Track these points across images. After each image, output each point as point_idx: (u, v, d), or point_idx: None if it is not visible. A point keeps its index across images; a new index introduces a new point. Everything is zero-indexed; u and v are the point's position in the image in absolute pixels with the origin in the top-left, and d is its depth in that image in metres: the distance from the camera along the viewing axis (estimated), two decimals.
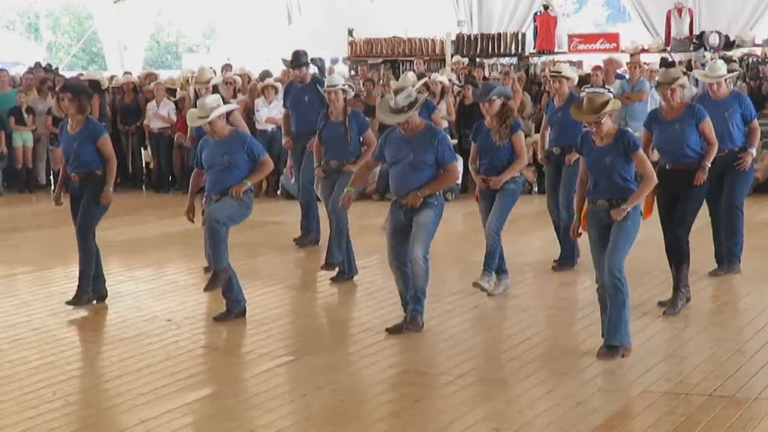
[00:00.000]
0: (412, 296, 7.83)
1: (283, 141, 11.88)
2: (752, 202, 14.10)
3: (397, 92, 7.67)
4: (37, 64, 21.16)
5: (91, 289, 8.97)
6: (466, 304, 8.98)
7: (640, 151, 7.12)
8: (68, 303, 8.89)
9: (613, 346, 7.11)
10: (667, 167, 8.66)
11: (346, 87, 9.90)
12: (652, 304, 8.66)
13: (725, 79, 9.60)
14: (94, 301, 9.03)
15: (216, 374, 7.25)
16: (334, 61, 23.14)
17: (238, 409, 6.38)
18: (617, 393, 6.57)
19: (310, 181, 11.02)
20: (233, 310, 8.39)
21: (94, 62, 36.08)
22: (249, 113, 16.25)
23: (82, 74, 19.90)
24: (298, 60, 11.48)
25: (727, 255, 9.68)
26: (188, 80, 17.86)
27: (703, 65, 17.20)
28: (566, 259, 10.16)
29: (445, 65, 20.42)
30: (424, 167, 7.64)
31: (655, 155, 8.99)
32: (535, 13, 21.77)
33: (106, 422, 6.26)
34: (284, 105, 11.88)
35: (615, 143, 7.05)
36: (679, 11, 20.33)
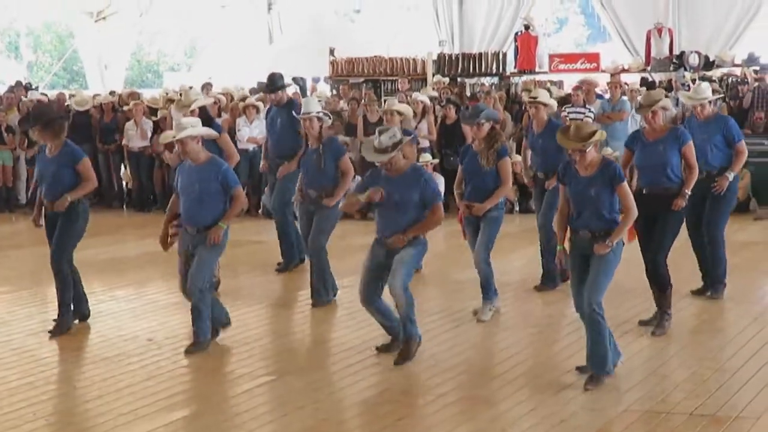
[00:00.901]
0: (401, 323, 7.74)
1: (261, 164, 11.90)
2: (731, 222, 14.17)
3: (381, 132, 7.60)
4: (18, 83, 21.11)
5: (73, 310, 8.91)
6: (448, 323, 8.98)
7: (625, 183, 7.08)
8: (50, 333, 8.72)
9: (596, 375, 7.08)
10: (644, 191, 8.63)
11: (321, 115, 9.73)
12: (634, 323, 8.68)
13: (710, 101, 9.56)
14: (76, 321, 8.97)
15: (197, 394, 7.22)
16: (316, 80, 23.17)
17: (219, 429, 6.36)
18: (599, 411, 6.57)
19: (284, 203, 11.00)
20: (201, 342, 8.16)
21: (75, 81, 36.02)
22: (230, 132, 16.26)
23: (62, 95, 19.84)
24: (273, 84, 11.44)
25: (711, 282, 9.67)
26: (170, 100, 17.84)
27: (683, 85, 17.31)
28: (548, 281, 10.17)
29: (426, 84, 20.44)
30: (409, 207, 7.54)
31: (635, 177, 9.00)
32: (516, 33, 21.85)
33: None
34: (267, 129, 11.86)
35: (600, 174, 7.00)
36: (659, 31, 20.45)
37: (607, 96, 16.55)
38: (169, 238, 8.30)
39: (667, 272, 8.63)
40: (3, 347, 8.36)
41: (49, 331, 8.76)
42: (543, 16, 25.15)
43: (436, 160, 15.56)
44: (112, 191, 17.84)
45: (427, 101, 15.73)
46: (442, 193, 15.06)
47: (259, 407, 6.81)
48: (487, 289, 9.08)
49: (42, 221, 8.92)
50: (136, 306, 9.93)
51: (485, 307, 9.07)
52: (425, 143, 15.12)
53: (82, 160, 8.70)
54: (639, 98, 9.58)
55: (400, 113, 11.18)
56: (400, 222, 7.58)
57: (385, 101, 12.58)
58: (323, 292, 9.77)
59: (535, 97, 10.08)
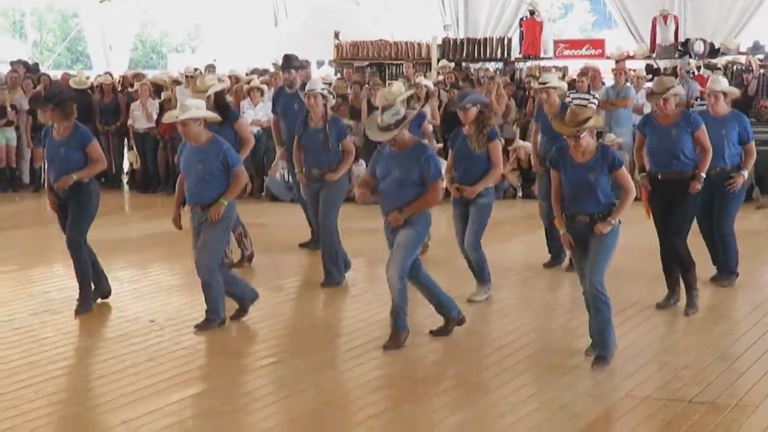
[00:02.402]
0: (394, 311, 7.69)
1: (278, 152, 11.77)
2: None
3: (384, 109, 7.56)
4: (19, 61, 21.02)
5: (94, 289, 8.94)
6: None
7: (623, 168, 7.09)
8: (76, 313, 8.73)
9: (603, 356, 7.14)
10: (660, 177, 8.67)
11: (325, 92, 9.71)
12: (636, 309, 8.70)
13: (725, 94, 9.45)
14: (98, 300, 9.00)
15: (199, 375, 7.24)
16: (320, 64, 23.13)
17: (222, 411, 6.38)
18: (599, 397, 6.59)
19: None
20: (212, 319, 8.24)
21: (79, 61, 35.99)
22: None
23: (67, 75, 19.81)
24: (288, 62, 11.42)
25: (725, 273, 9.67)
26: (175, 80, 17.83)
27: (688, 72, 17.28)
28: (555, 259, 10.34)
29: (430, 69, 20.42)
30: (409, 184, 7.50)
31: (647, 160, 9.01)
32: (521, 18, 21.80)
33: (88, 422, 6.25)
34: (273, 110, 11.81)
35: (598, 159, 7.00)
36: (665, 18, 20.41)
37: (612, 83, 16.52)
38: (180, 218, 8.34)
39: (688, 252, 8.73)
40: (5, 326, 8.38)
41: (75, 312, 8.75)
42: (548, 2, 25.14)
43: (440, 145, 15.57)
44: (112, 172, 17.83)
45: (431, 86, 15.70)
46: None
47: (261, 389, 6.83)
48: (481, 275, 9.12)
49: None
50: (139, 287, 9.94)
51: (480, 290, 9.12)
52: (429, 128, 15.08)
53: (91, 143, 8.70)
54: (650, 85, 9.50)
55: None
56: (398, 199, 7.53)
57: (390, 85, 12.55)
58: (335, 273, 9.75)
59: (545, 83, 10.09)
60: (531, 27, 21.30)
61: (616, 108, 15.59)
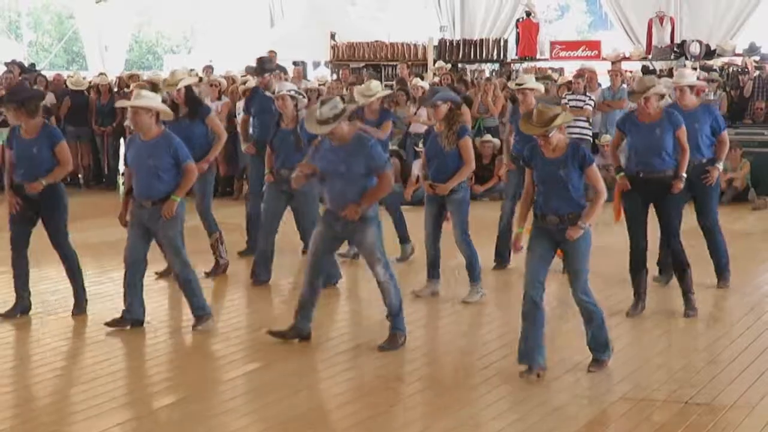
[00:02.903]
0: (388, 315, 7.68)
1: (244, 147, 11.71)
2: (729, 212, 14.17)
3: (323, 103, 7.52)
4: (13, 61, 20.97)
5: (17, 302, 8.76)
6: (441, 310, 8.98)
7: (594, 166, 6.97)
8: (73, 314, 8.72)
9: (600, 360, 7.09)
10: (641, 176, 8.65)
11: (294, 93, 9.78)
12: (632, 313, 8.65)
13: (691, 88, 9.45)
14: (18, 315, 8.73)
15: (188, 378, 7.19)
16: (316, 65, 23.13)
17: (211, 413, 6.35)
18: (594, 400, 6.57)
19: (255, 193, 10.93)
20: (201, 316, 8.25)
21: (74, 62, 35.97)
22: (231, 116, 16.22)
23: (60, 75, 19.74)
24: (261, 66, 11.43)
25: (717, 270, 9.64)
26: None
27: None
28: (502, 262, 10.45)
29: (427, 70, 20.43)
30: (358, 178, 7.46)
31: (622, 158, 9.00)
32: (518, 20, 21.82)
33: (79, 425, 6.20)
34: (245, 110, 11.75)
35: (569, 155, 6.90)
36: (661, 20, 20.41)
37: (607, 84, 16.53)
38: (128, 214, 8.32)
39: (684, 254, 8.68)
40: (1, 327, 8.36)
41: (72, 313, 8.72)
42: (545, 3, 25.12)
43: None
44: (107, 173, 17.81)
45: (427, 87, 15.68)
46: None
47: (251, 392, 6.80)
48: (472, 272, 9.11)
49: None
50: None
51: (473, 289, 9.11)
52: (424, 128, 15.06)
53: (60, 143, 8.55)
54: (632, 84, 9.50)
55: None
56: (349, 193, 7.47)
57: (387, 88, 12.57)
58: (264, 272, 9.85)
59: (521, 84, 10.10)
60: (527, 28, 21.31)
61: (612, 109, 15.60)
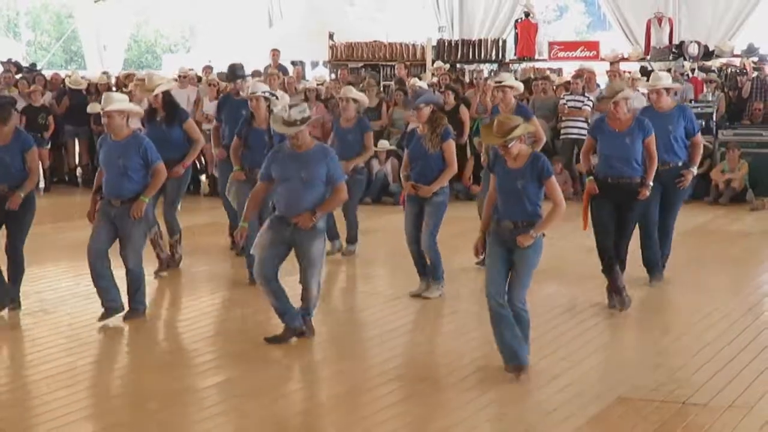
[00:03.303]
0: (304, 313, 7.82)
1: (215, 152, 11.60)
2: (727, 212, 14.20)
3: (292, 106, 7.62)
4: (9, 60, 20.98)
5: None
6: (444, 307, 8.99)
7: (553, 177, 6.93)
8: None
9: (523, 365, 6.95)
10: (610, 181, 8.70)
11: (267, 95, 9.86)
12: (627, 311, 8.66)
13: (667, 90, 9.54)
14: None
15: (183, 377, 7.19)
16: (315, 65, 23.13)
17: (208, 414, 6.36)
18: (592, 399, 6.57)
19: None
20: (139, 309, 8.39)
21: (73, 61, 35.96)
22: None
23: (57, 75, 19.73)
24: (233, 73, 11.47)
25: (651, 268, 9.65)
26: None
27: (682, 74, 17.30)
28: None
29: (425, 70, 20.44)
30: (316, 184, 7.53)
31: (594, 160, 9.05)
32: (516, 20, 21.83)
33: (65, 428, 6.18)
34: (217, 118, 11.70)
35: (528, 167, 6.86)
36: (660, 21, 20.43)
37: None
38: (95, 212, 8.40)
39: (625, 259, 8.91)
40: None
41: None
42: (543, 4, 25.12)
43: None
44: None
45: (426, 87, 15.70)
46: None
47: (251, 390, 6.80)
48: (435, 272, 9.21)
49: None
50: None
51: (434, 286, 9.20)
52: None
53: (31, 149, 8.61)
54: (601, 89, 9.53)
55: (355, 101, 11.13)
56: (305, 199, 7.52)
57: (385, 87, 12.59)
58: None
59: (500, 82, 10.10)
60: (526, 29, 21.32)
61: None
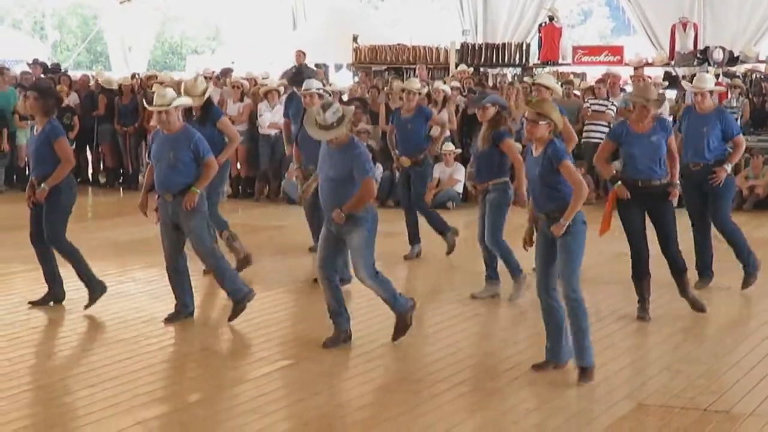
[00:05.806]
0: (390, 305, 7.82)
1: (287, 149, 11.80)
2: (751, 218, 14.14)
3: (325, 108, 7.52)
4: (35, 61, 21.12)
5: (48, 291, 8.96)
6: (466, 311, 9.00)
7: (566, 161, 6.86)
8: (85, 307, 8.81)
9: (584, 368, 6.95)
10: (640, 184, 8.62)
11: (321, 92, 9.90)
12: (653, 318, 8.65)
13: (711, 93, 9.65)
14: (51, 303, 8.96)
15: (212, 377, 7.25)
16: (338, 67, 23.19)
17: (235, 412, 6.40)
18: (613, 405, 6.57)
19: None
20: (239, 299, 8.41)
21: (98, 62, 36.16)
22: (253, 117, 16.29)
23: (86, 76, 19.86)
24: (300, 76, 11.54)
25: (702, 269, 9.74)
26: (178, 82, 17.82)
27: None
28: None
29: (449, 74, 20.45)
30: (345, 181, 7.51)
31: (613, 166, 9.05)
32: (540, 24, 21.81)
33: (102, 423, 6.26)
34: (285, 115, 11.82)
35: (543, 153, 6.88)
36: (684, 26, 20.37)
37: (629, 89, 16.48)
38: (148, 205, 8.57)
39: (682, 258, 8.79)
40: (22, 326, 8.42)
41: (85, 307, 8.80)
42: (567, 8, 25.08)
43: (459, 150, 15.59)
44: (129, 173, 17.91)
45: (448, 90, 15.72)
46: (462, 182, 15.11)
47: (275, 392, 6.84)
48: (509, 267, 9.25)
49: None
50: (156, 288, 9.93)
51: (515, 284, 9.29)
52: (446, 133, 15.10)
53: (59, 138, 8.64)
54: (625, 94, 9.59)
55: (419, 93, 11.28)
56: (336, 196, 7.54)
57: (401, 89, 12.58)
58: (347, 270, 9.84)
59: (537, 80, 10.19)
60: (550, 33, 21.30)
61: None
